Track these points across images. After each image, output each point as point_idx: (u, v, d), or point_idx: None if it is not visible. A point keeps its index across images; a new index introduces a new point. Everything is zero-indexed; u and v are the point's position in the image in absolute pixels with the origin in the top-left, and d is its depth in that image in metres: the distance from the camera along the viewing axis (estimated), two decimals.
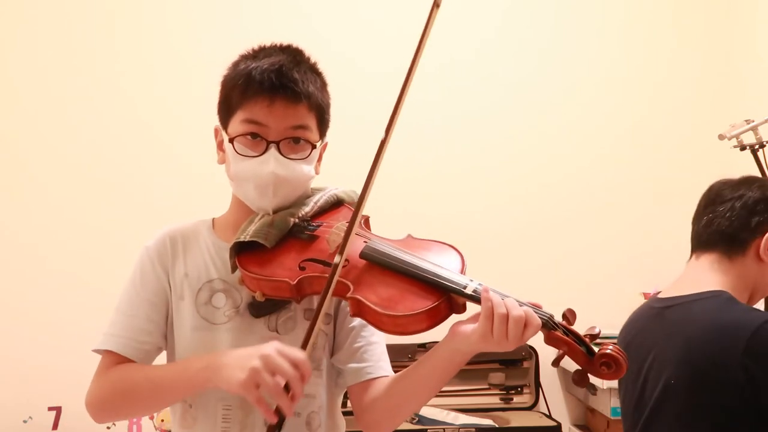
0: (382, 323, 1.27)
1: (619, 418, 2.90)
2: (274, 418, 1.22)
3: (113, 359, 1.40)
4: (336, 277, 1.28)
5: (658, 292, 1.92)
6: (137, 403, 1.39)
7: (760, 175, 2.23)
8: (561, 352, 1.25)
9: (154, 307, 1.43)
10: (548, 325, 1.24)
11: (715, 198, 1.83)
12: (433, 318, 1.26)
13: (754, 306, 1.87)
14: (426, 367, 1.34)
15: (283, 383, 1.21)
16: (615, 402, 2.96)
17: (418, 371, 1.36)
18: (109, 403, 1.39)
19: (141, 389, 1.37)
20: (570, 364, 1.24)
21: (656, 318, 1.84)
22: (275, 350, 1.22)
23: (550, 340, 1.25)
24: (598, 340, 1.28)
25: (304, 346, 1.26)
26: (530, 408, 3.27)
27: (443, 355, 1.31)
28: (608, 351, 1.23)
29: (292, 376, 1.20)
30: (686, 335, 1.72)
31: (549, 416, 3.22)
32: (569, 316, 1.26)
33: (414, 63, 1.34)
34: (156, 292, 1.43)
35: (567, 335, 1.24)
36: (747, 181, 1.84)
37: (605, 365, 1.23)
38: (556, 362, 1.27)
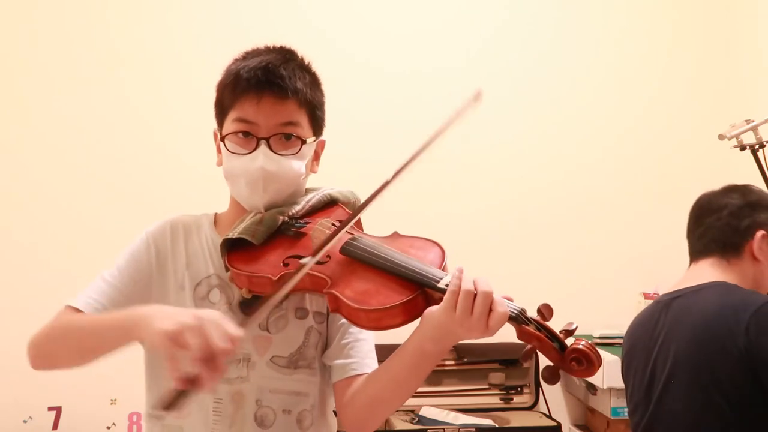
0: (357, 318, 1.26)
1: (620, 418, 2.94)
2: (181, 384, 1.08)
3: (72, 312, 1.40)
4: (305, 270, 1.25)
5: (663, 294, 1.97)
6: (68, 345, 1.37)
7: (760, 176, 2.26)
8: (530, 346, 1.22)
9: (135, 286, 1.42)
10: (519, 319, 1.21)
11: (703, 212, 1.94)
12: (408, 312, 1.23)
13: None
14: (398, 360, 1.32)
15: (207, 352, 1.09)
16: (615, 402, 2.96)
17: (392, 364, 1.34)
18: (45, 343, 1.39)
19: (75, 330, 1.35)
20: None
21: (663, 309, 1.91)
22: (214, 317, 1.13)
23: (521, 335, 1.21)
24: (577, 336, 1.23)
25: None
26: (530, 408, 3.27)
27: (413, 345, 1.28)
28: (579, 347, 1.19)
29: (220, 349, 1.09)
30: (693, 317, 1.80)
31: (549, 416, 3.22)
32: (544, 311, 1.23)
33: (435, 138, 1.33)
34: (142, 273, 1.42)
35: (539, 330, 1.21)
36: (729, 190, 1.94)
37: (575, 361, 1.19)
38: (525, 357, 1.24)
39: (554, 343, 1.21)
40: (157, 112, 3.27)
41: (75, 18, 3.25)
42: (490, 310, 1.18)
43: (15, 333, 3.10)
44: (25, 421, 3.07)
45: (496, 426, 3.03)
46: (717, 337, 1.73)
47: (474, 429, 2.98)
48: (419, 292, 1.24)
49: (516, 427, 3.07)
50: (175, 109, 3.24)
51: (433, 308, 1.23)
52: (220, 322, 1.12)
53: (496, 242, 3.35)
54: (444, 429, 2.97)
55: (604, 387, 2.95)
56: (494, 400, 3.28)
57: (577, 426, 3.37)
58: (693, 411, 1.77)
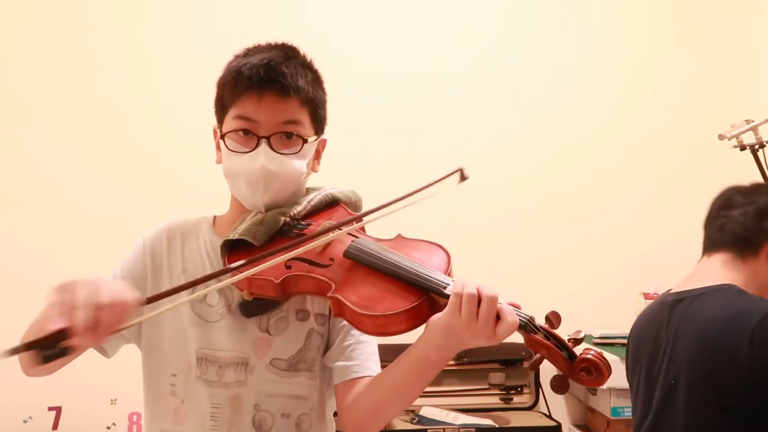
0: (361, 323, 1.23)
1: (620, 418, 2.94)
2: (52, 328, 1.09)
3: None
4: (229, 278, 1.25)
5: (669, 290, 1.95)
6: None
7: (760, 176, 2.26)
8: (539, 355, 1.20)
9: None
10: (527, 328, 1.19)
11: (727, 203, 1.90)
12: (413, 318, 1.22)
13: None
14: (402, 365, 1.30)
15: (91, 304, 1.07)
16: (615, 402, 2.96)
17: (395, 370, 1.32)
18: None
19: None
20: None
21: (667, 311, 1.89)
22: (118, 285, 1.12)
23: (530, 344, 1.19)
24: (584, 344, 1.22)
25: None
26: (530, 408, 3.27)
27: (418, 351, 1.26)
28: (589, 356, 1.17)
29: (106, 302, 1.07)
30: (697, 326, 1.77)
31: (549, 416, 3.21)
32: (552, 318, 1.20)
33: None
34: (135, 283, 1.40)
35: (548, 339, 1.19)
36: (758, 188, 1.90)
37: (585, 371, 1.17)
38: (533, 366, 1.22)
39: (563, 352, 1.19)
40: (157, 112, 3.27)
41: (75, 18, 3.25)
42: (499, 318, 1.16)
43: (15, 333, 3.11)
44: (25, 421, 3.07)
45: (496, 426, 3.03)
46: (721, 351, 1.70)
47: (474, 429, 2.97)
48: (425, 298, 1.22)
49: (516, 427, 3.07)
50: (175, 109, 3.24)
51: (438, 314, 1.21)
52: (119, 287, 1.11)
53: (495, 242, 3.35)
54: (444, 429, 2.96)
55: (604, 387, 2.95)
56: (494, 400, 3.27)
57: (577, 426, 3.37)
58: (694, 423, 1.74)
